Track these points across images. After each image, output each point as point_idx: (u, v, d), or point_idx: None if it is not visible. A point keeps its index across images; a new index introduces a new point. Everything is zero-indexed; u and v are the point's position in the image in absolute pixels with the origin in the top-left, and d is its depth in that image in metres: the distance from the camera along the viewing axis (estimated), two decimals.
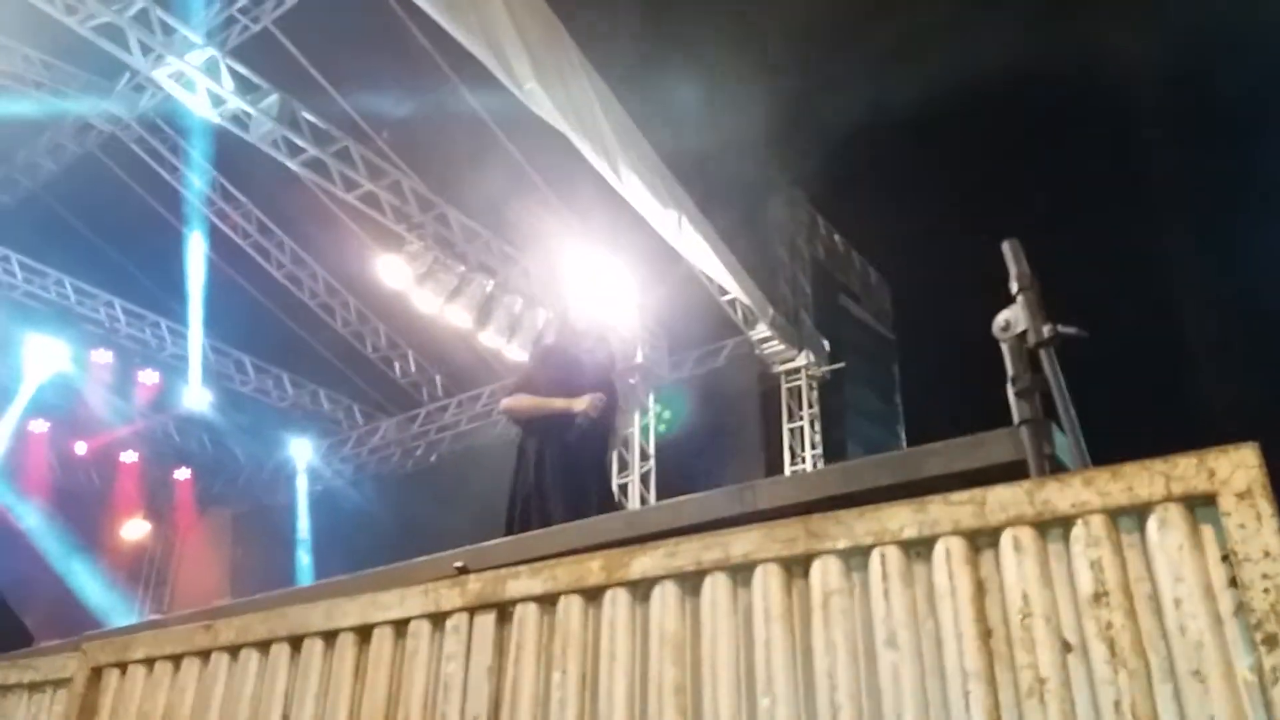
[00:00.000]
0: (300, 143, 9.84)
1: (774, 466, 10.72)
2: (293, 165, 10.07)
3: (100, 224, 12.50)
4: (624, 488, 11.09)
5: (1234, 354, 7.82)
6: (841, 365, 11.36)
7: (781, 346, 11.25)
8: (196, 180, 12.18)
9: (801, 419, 11.28)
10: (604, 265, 10.56)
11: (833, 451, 10.88)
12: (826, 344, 11.51)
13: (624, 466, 11.27)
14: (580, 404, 4.83)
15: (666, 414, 11.54)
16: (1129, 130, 8.74)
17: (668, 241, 9.83)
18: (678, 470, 10.77)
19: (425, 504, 12.41)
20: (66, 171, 11.84)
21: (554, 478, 4.85)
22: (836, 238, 11.97)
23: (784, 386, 11.43)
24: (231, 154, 12.04)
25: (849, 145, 9.33)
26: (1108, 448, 2.19)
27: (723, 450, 10.80)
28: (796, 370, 11.40)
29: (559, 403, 4.89)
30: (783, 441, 11.17)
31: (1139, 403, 7.52)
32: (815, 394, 11.37)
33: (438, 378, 13.61)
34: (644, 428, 11.53)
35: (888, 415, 11.57)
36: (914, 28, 8.81)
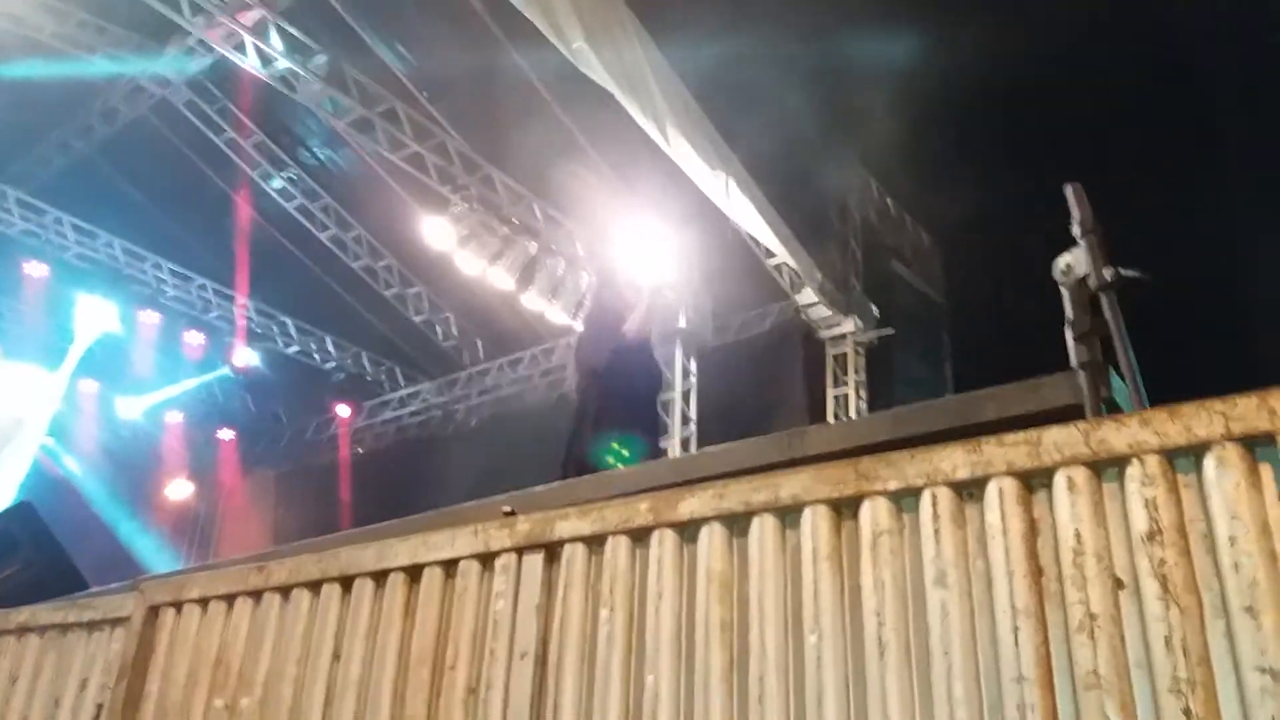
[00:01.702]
0: (347, 103, 9.81)
1: None
2: (340, 126, 10.04)
3: (150, 187, 12.61)
4: (664, 452, 11.01)
5: None
6: (890, 332, 11.15)
7: (828, 312, 11.07)
8: (243, 143, 12.19)
9: (847, 386, 11.11)
10: (649, 228, 10.43)
11: None
12: (875, 310, 11.30)
13: (664, 431, 11.19)
14: None
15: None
16: (1192, 79, 8.45)
17: (715, 204, 9.68)
18: (720, 436, 10.65)
19: (466, 468, 12.42)
20: (119, 134, 11.91)
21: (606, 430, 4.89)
22: (889, 201, 11.72)
23: (830, 353, 11.26)
24: (280, 116, 12.07)
25: (904, 107, 9.12)
26: (1166, 395, 2.12)
27: (765, 417, 10.66)
28: (843, 336, 11.21)
29: None
30: (826, 409, 11.01)
31: (1201, 349, 7.31)
32: (862, 360, 11.19)
33: (479, 341, 13.60)
34: (685, 393, 11.43)
35: (936, 383, 11.33)
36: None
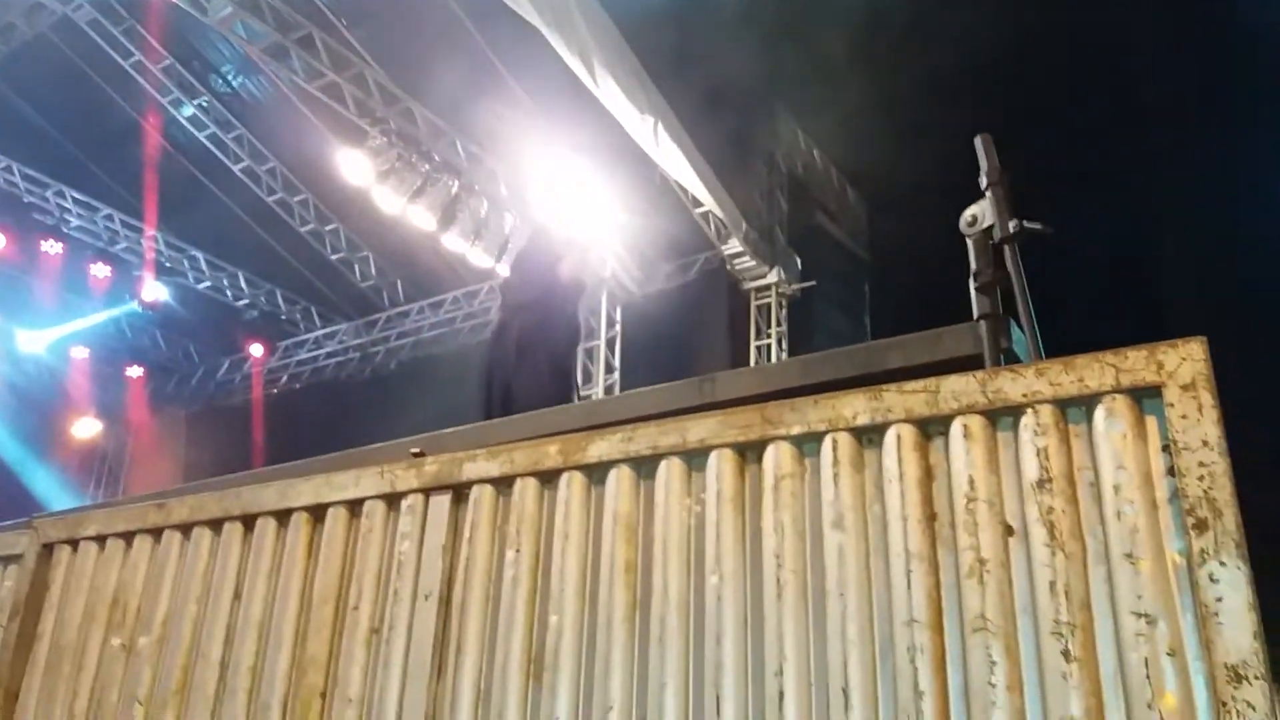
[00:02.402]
0: (261, 28, 9.43)
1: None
2: (253, 52, 9.66)
3: (52, 110, 12.01)
4: (587, 399, 11.01)
5: (1196, 255, 7.90)
6: (812, 284, 11.26)
7: (753, 263, 11.11)
8: (152, 67, 11.66)
9: (769, 337, 11.21)
10: (575, 171, 10.31)
11: None
12: (799, 262, 11.39)
13: (588, 378, 11.18)
14: None
15: None
16: (1110, 38, 8.60)
17: (643, 149, 9.59)
18: (643, 384, 10.66)
19: (383, 411, 12.26)
20: (16, 53, 11.27)
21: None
22: (816, 154, 11.76)
23: (754, 303, 11.33)
24: (190, 39, 11.56)
25: (835, 59, 9.10)
26: (1063, 345, 2.19)
27: (688, 366, 10.70)
28: (767, 287, 11.29)
29: None
30: (749, 359, 11.11)
31: (1101, 302, 7.55)
32: (785, 312, 11.29)
33: (399, 282, 13.35)
34: (609, 340, 11.42)
35: (856, 335, 11.50)
36: None
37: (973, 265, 2.42)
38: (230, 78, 12.08)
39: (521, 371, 4.88)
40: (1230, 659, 1.60)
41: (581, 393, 10.93)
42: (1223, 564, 1.66)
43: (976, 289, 2.40)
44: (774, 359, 10.94)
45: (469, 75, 10.18)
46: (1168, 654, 1.67)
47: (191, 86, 11.98)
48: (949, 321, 2.67)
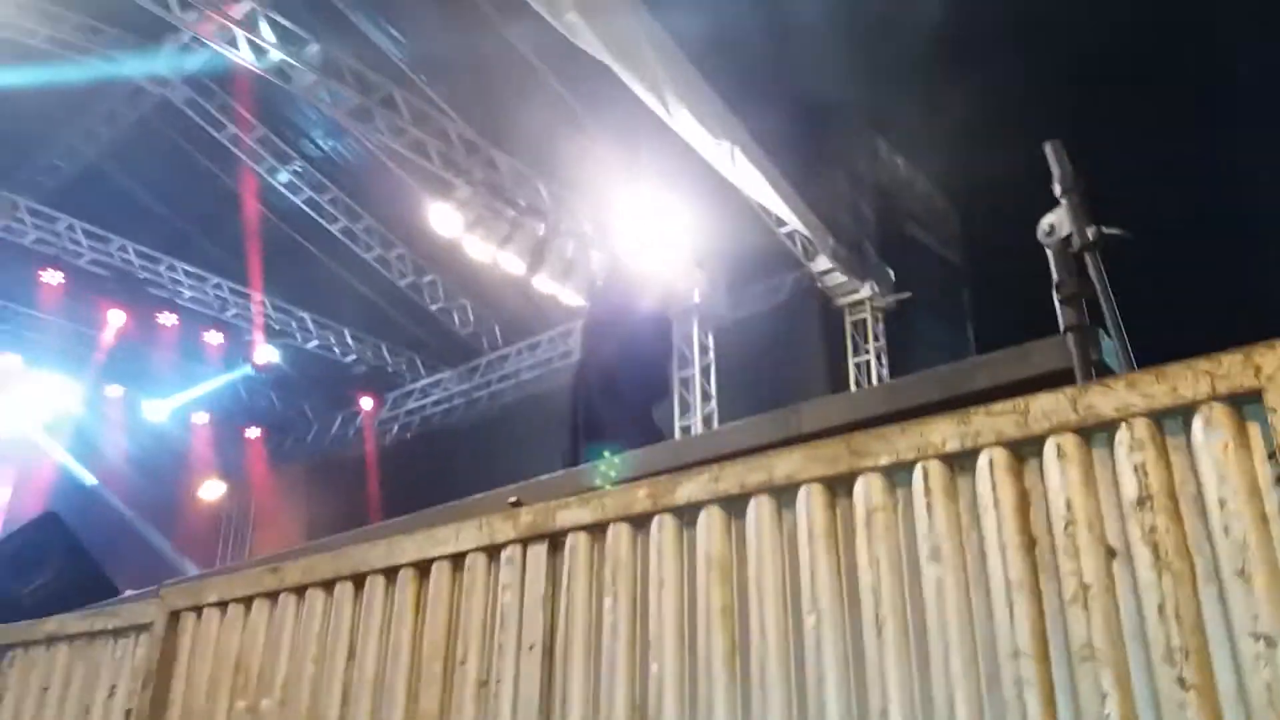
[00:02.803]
0: (344, 92, 9.78)
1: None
2: (338, 115, 10.02)
3: (158, 187, 12.69)
4: (687, 429, 11.00)
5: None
6: (908, 295, 11.04)
7: (844, 278, 10.97)
8: (246, 138, 12.21)
9: (868, 353, 11.03)
10: (657, 203, 10.37)
11: None
12: (892, 274, 11.19)
13: (686, 409, 11.17)
14: None
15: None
16: (1197, 39, 8.34)
17: (722, 174, 9.59)
18: (742, 411, 10.60)
19: (491, 453, 12.47)
20: (121, 137, 11.96)
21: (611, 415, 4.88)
22: (899, 161, 11.56)
23: (848, 320, 11.17)
24: (280, 108, 12.06)
25: (911, 65, 8.97)
26: (1158, 352, 2.11)
27: (787, 388, 10.59)
28: (861, 302, 11.12)
29: None
30: (848, 377, 10.94)
31: (1191, 305, 7.26)
32: (881, 326, 11.09)
33: (496, 327, 13.61)
34: (704, 368, 11.39)
35: (959, 345, 11.21)
36: None
37: (1055, 276, 2.34)
38: (320, 141, 12.56)
39: (607, 409, 4.88)
40: None
41: (679, 423, 10.97)
42: None
43: (1061, 300, 2.33)
44: (874, 375, 10.76)
45: (547, 118, 10.38)
46: None
47: (284, 153, 12.51)
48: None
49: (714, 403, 11.24)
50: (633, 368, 5.12)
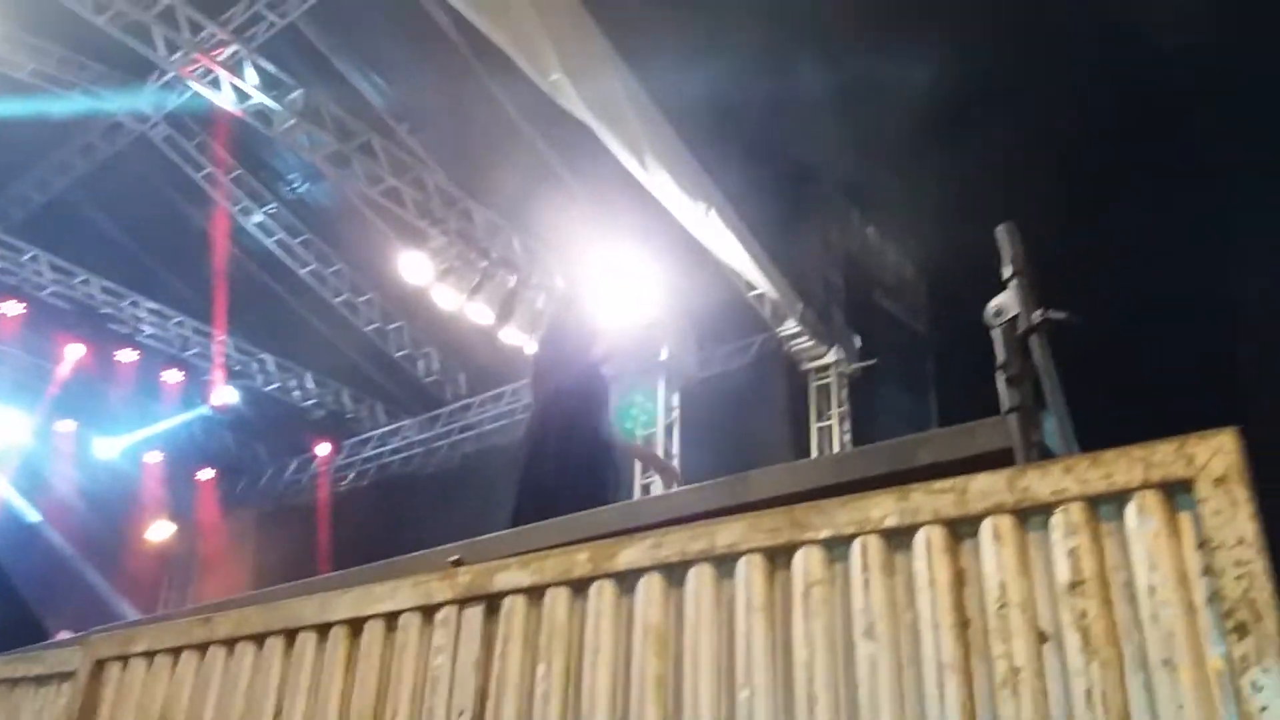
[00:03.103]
0: (323, 137, 9.78)
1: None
2: (317, 161, 10.01)
3: (129, 223, 12.58)
4: (647, 487, 10.90)
5: (1226, 341, 7.74)
6: (873, 362, 11.10)
7: (811, 343, 11.02)
8: (222, 178, 12.15)
9: (831, 417, 11.03)
10: (631, 260, 10.38)
11: None
12: (858, 340, 11.25)
13: (648, 466, 11.08)
14: None
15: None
16: (1164, 121, 8.57)
17: (695, 235, 9.64)
18: (702, 470, 10.54)
19: (449, 504, 12.27)
20: (97, 171, 11.88)
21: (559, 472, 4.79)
22: (870, 231, 11.71)
23: (813, 384, 11.19)
24: (258, 151, 12.03)
25: (885, 136, 9.12)
26: (1101, 435, 2.12)
27: (749, 449, 10.54)
28: (826, 367, 11.15)
29: None
30: (811, 441, 10.93)
31: (1135, 389, 7.37)
32: (845, 392, 11.11)
33: (461, 376, 13.50)
34: (668, 426, 11.33)
35: (922, 414, 11.26)
36: (957, 16, 8.62)
37: (999, 357, 2.37)
38: (296, 185, 12.51)
39: (559, 467, 4.78)
40: None
41: (641, 480, 10.86)
42: (1265, 670, 1.56)
43: (1005, 381, 2.35)
44: (836, 440, 10.76)
45: (524, 172, 10.43)
46: None
47: (260, 195, 12.45)
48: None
49: (676, 461, 11.16)
50: (587, 420, 5.03)
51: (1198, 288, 8.04)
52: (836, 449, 10.78)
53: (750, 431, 10.97)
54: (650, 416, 11.20)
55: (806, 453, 10.72)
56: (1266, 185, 7.74)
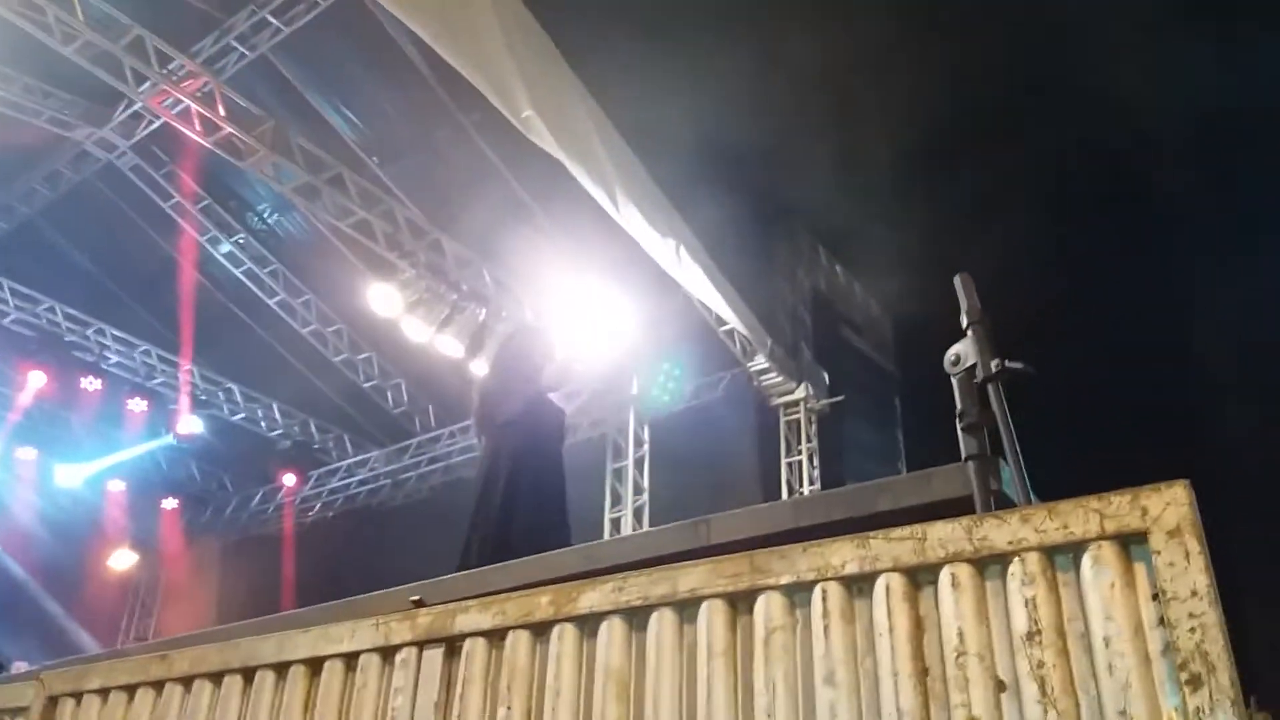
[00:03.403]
0: (293, 169, 9.77)
1: (771, 500, 10.50)
2: (286, 192, 10.00)
3: (94, 251, 12.47)
4: (617, 521, 10.89)
5: (1183, 391, 7.92)
6: (841, 398, 11.18)
7: (780, 378, 11.08)
8: (191, 208, 12.10)
9: (800, 453, 11.09)
10: (599, 294, 10.43)
11: (831, 486, 10.67)
12: (826, 376, 11.34)
13: (617, 500, 11.09)
14: None
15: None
16: (1127, 177, 8.78)
17: (665, 271, 9.70)
18: (672, 504, 10.56)
19: (416, 537, 12.17)
20: (63, 199, 11.79)
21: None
22: (838, 269, 11.85)
23: (783, 419, 11.25)
24: (228, 181, 12.00)
25: (852, 176, 9.26)
26: (1058, 483, 2.17)
27: (719, 484, 10.58)
28: (795, 403, 11.22)
29: None
30: (780, 475, 10.97)
31: (1090, 438, 7.51)
32: (814, 428, 11.18)
33: (430, 408, 13.45)
34: (638, 460, 11.34)
35: (888, 449, 11.37)
36: (923, 61, 8.79)
37: (958, 405, 2.41)
38: (266, 215, 12.48)
39: (506, 504, 4.72)
40: None
41: (610, 514, 10.85)
42: None
43: (963, 429, 2.38)
44: (805, 475, 10.81)
45: (495, 207, 10.47)
46: None
47: (228, 225, 12.40)
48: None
49: (645, 496, 11.16)
50: (543, 455, 4.98)
51: (1154, 337, 8.18)
52: (806, 483, 10.83)
53: (720, 464, 11.00)
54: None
55: (776, 487, 10.76)
56: (1221, 240, 7.93)
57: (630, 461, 11.25)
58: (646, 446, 11.50)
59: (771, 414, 11.28)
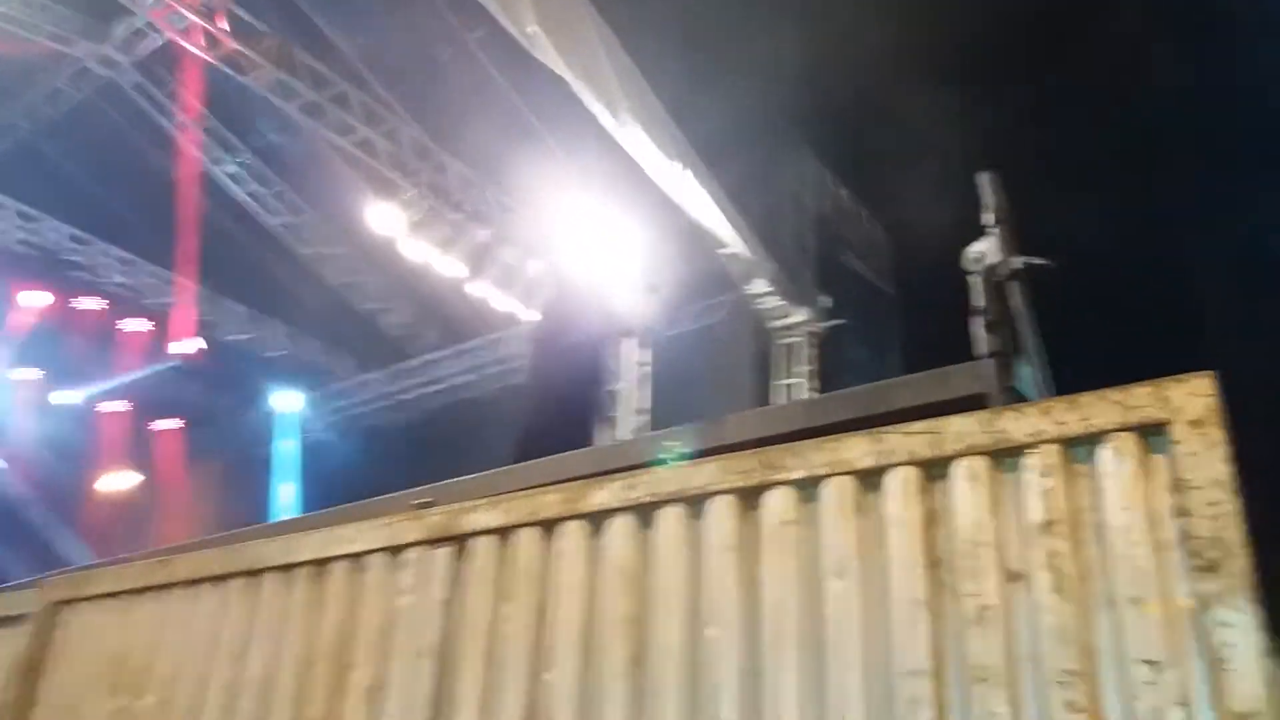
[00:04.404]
0: (298, 87, 9.63)
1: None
2: (290, 110, 9.86)
3: (97, 169, 12.32)
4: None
5: (1210, 288, 7.84)
6: (842, 322, 11.14)
7: (780, 302, 11.02)
8: (193, 126, 11.95)
9: (798, 376, 11.08)
10: (603, 216, 10.34)
11: None
12: (828, 300, 11.28)
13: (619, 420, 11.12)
14: None
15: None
16: (1129, 80, 8.63)
17: (667, 193, 9.61)
18: (672, 425, 10.60)
19: (416, 456, 12.30)
20: (64, 117, 11.62)
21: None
22: (843, 193, 11.72)
23: (781, 342, 11.22)
24: (229, 99, 11.82)
25: (859, 100, 9.14)
26: (1078, 382, 2.11)
27: (718, 406, 10.61)
28: (794, 326, 11.17)
29: None
30: (775, 398, 10.99)
31: (1113, 338, 7.48)
32: (813, 351, 11.15)
33: (429, 330, 13.45)
34: (640, 380, 11.35)
35: (886, 373, 11.29)
36: None
37: (977, 302, 2.43)
38: (269, 134, 12.32)
39: (558, 422, 4.81)
40: (1240, 707, 1.53)
41: (613, 435, 10.91)
42: (1233, 609, 1.59)
43: (983, 326, 2.41)
44: (804, 397, 10.81)
45: (500, 127, 10.32)
46: (1177, 703, 1.59)
47: (232, 144, 12.25)
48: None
49: (648, 417, 11.19)
50: (577, 391, 5.07)
51: (1167, 239, 8.10)
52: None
53: (719, 387, 11.01)
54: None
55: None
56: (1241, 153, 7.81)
57: (633, 382, 11.25)
58: (647, 368, 11.49)
59: (769, 337, 11.25)
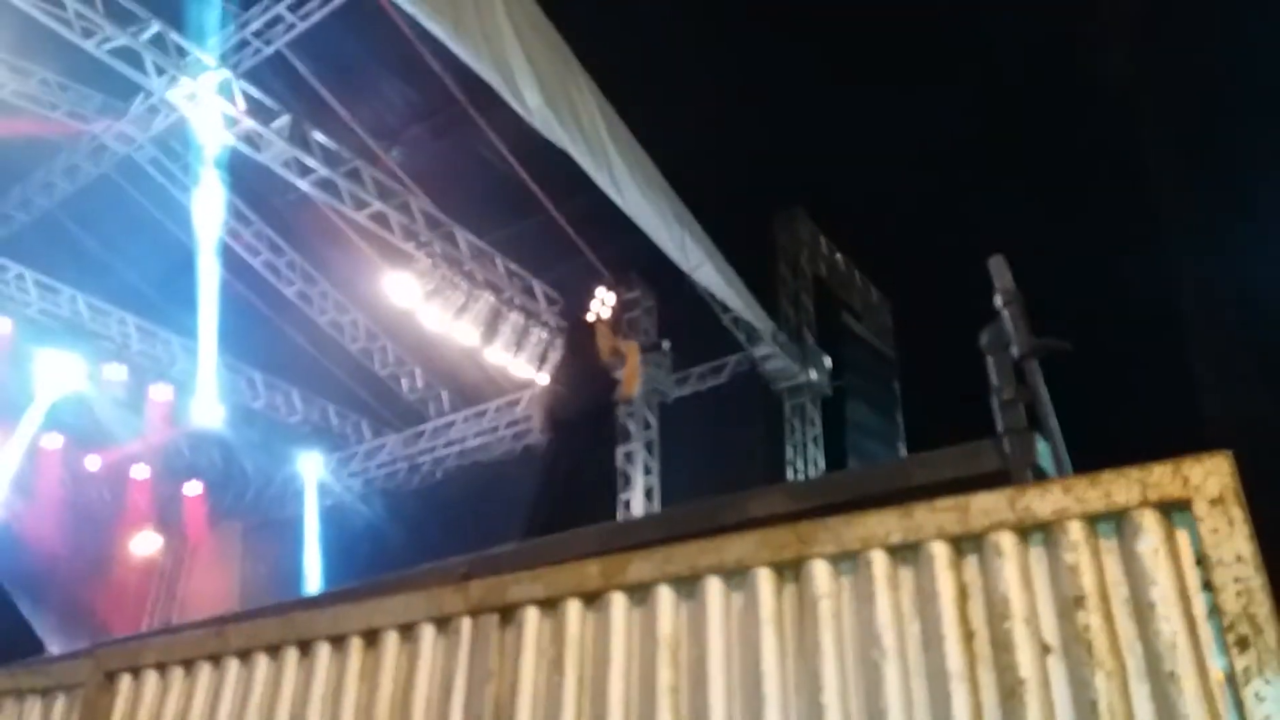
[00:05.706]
0: (311, 163, 9.99)
1: (778, 481, 10.77)
2: (304, 185, 10.22)
3: (115, 243, 12.63)
4: (627, 503, 11.17)
5: (1221, 368, 7.97)
6: (844, 383, 11.44)
7: (784, 364, 11.33)
8: (209, 200, 12.32)
9: (804, 436, 11.35)
10: (608, 283, 10.65)
11: (835, 468, 10.96)
12: (829, 361, 11.59)
13: (627, 482, 11.35)
14: None
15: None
16: (1127, 147, 8.87)
17: (672, 260, 9.94)
18: (680, 486, 10.85)
19: (432, 519, 12.48)
20: (82, 191, 11.94)
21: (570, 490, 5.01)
22: (839, 256, 12.10)
23: (787, 404, 11.51)
24: (244, 174, 12.20)
25: (851, 164, 9.46)
26: (1090, 458, 2.24)
27: (725, 467, 10.86)
28: (799, 387, 11.47)
29: None
30: (784, 458, 11.23)
31: (1125, 415, 7.64)
32: (818, 412, 11.44)
33: (444, 394, 13.73)
34: (647, 444, 11.61)
35: (889, 432, 11.63)
36: (919, 53, 8.95)
37: (993, 381, 2.47)
38: (282, 208, 12.71)
39: (572, 491, 4.96)
40: None
41: (621, 496, 11.13)
42: (1267, 682, 1.64)
43: (1000, 405, 2.45)
44: (809, 458, 11.08)
45: (507, 196, 10.69)
46: None
47: (246, 217, 12.63)
48: (978, 420, 2.68)
49: (655, 477, 11.43)
50: (588, 455, 5.22)
51: (1179, 314, 8.24)
52: (811, 466, 11.10)
53: (726, 448, 11.26)
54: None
55: (781, 469, 11.03)
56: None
57: (640, 444, 11.51)
58: (655, 430, 11.75)
59: (776, 398, 11.54)
